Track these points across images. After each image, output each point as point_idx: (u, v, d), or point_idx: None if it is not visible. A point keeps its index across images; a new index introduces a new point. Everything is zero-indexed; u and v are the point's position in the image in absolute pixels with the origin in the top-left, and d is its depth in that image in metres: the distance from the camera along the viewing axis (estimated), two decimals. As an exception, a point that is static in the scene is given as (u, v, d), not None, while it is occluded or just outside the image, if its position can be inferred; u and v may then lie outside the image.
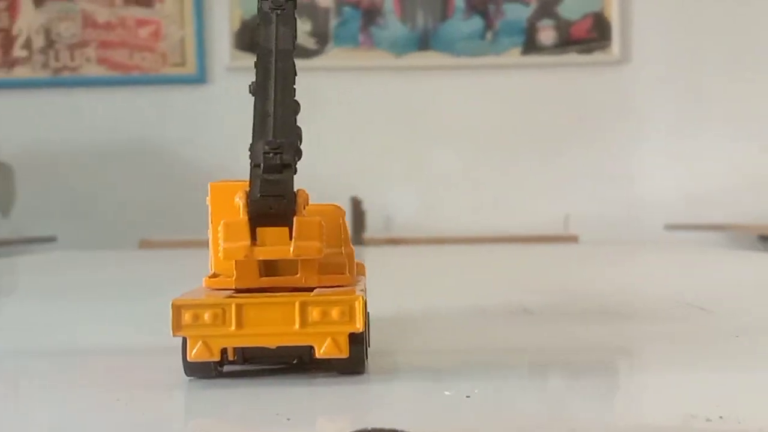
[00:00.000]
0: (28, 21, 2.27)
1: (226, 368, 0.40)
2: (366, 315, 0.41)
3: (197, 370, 0.39)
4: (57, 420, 0.34)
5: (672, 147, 2.33)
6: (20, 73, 2.28)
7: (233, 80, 2.30)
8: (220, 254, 0.37)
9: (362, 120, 2.34)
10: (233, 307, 0.37)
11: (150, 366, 0.43)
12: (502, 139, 2.35)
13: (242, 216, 0.38)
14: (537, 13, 2.34)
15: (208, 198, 0.43)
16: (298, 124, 0.42)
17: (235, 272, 0.40)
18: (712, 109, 2.34)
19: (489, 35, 2.35)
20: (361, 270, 0.52)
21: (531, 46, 2.35)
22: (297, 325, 0.37)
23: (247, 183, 0.39)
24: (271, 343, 0.38)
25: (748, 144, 2.33)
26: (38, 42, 2.28)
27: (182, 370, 0.39)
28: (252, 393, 0.37)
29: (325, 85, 2.32)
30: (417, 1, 2.33)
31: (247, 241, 0.37)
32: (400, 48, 2.35)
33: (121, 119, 2.28)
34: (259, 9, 0.49)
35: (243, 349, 0.39)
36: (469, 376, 0.40)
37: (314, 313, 0.37)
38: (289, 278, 0.41)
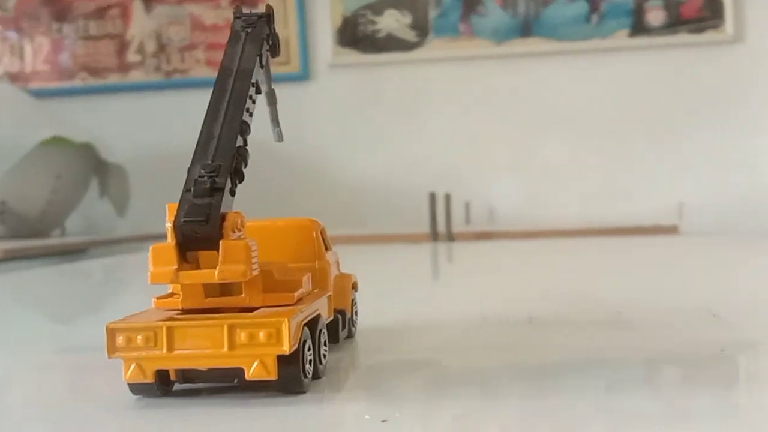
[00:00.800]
0: (140, 27, 2.37)
1: (177, 387, 0.41)
2: (343, 328, 0.42)
3: (141, 390, 0.40)
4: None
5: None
6: (134, 77, 2.38)
7: (335, 77, 2.32)
8: (147, 278, 0.38)
9: (464, 110, 2.32)
10: (164, 330, 0.38)
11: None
12: (610, 125, 2.28)
13: (170, 240, 0.38)
14: (645, -8, 2.25)
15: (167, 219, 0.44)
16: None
17: (181, 293, 0.41)
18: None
19: (594, 18, 2.28)
20: (343, 281, 0.52)
21: (639, 27, 2.26)
22: (225, 348, 0.38)
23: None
24: (202, 365, 0.38)
25: None
26: (150, 46, 2.38)
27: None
28: (185, 414, 0.38)
29: (425, 77, 2.31)
30: (519, -12, 2.29)
31: (173, 266, 0.38)
32: (501, 35, 2.31)
33: (229, 118, 2.34)
34: (232, 27, 0.49)
35: (182, 369, 0.40)
36: (414, 397, 0.39)
37: (242, 336, 0.38)
38: (234, 298, 0.41)
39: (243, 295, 0.41)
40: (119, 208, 2.14)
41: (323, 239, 0.51)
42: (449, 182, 2.15)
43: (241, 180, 0.42)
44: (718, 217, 2.12)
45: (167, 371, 0.39)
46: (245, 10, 0.51)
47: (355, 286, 0.54)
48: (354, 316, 0.54)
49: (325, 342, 0.43)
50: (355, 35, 2.33)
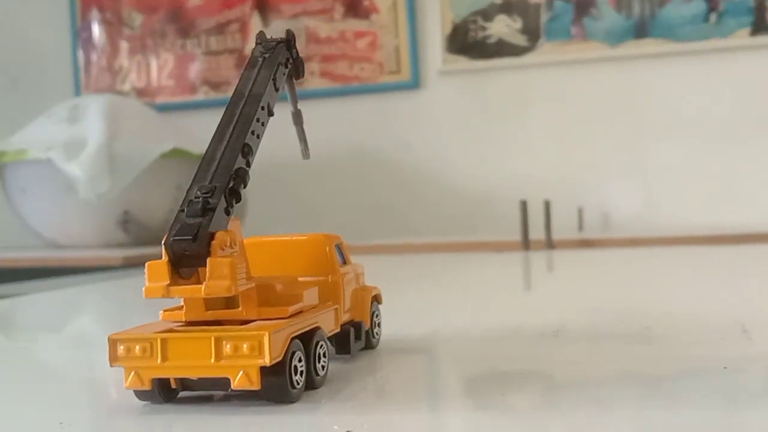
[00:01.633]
0: (257, 41, 2.46)
1: (183, 394, 0.44)
2: (357, 340, 0.44)
3: (146, 397, 0.43)
4: None
5: None
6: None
7: (445, 84, 2.34)
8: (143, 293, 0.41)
9: (577, 115, 2.28)
10: (159, 341, 0.41)
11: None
12: (731, 127, 2.19)
13: (164, 258, 0.41)
14: (768, -12, 2.15)
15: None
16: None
17: (184, 306, 0.44)
18: None
19: (713, 17, 2.20)
20: (363, 294, 0.53)
21: (760, 25, 2.17)
22: (212, 359, 0.40)
23: None
24: (192, 374, 0.41)
25: None
26: (267, 60, 2.46)
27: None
28: (184, 419, 0.40)
29: (537, 81, 2.29)
30: (634, -12, 2.23)
31: (165, 281, 0.41)
32: (615, 38, 2.27)
33: (342, 128, 2.40)
34: (252, 53, 0.52)
35: (181, 378, 0.42)
36: (398, 407, 0.40)
37: (227, 347, 0.40)
38: (231, 312, 0.44)
39: (240, 308, 0.43)
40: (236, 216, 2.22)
41: (341, 253, 0.52)
42: (560, 188, 2.13)
43: (238, 200, 0.44)
44: None
45: (168, 379, 0.42)
46: (268, 36, 0.53)
47: (377, 299, 0.55)
48: (376, 328, 0.55)
49: (324, 354, 0.45)
50: (465, 42, 2.34)
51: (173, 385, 0.43)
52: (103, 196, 1.89)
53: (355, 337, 0.51)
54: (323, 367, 0.45)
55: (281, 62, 0.51)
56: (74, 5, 2.62)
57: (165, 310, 0.45)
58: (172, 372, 0.41)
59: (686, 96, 2.23)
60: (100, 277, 1.53)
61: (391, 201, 2.35)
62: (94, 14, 2.61)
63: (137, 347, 0.41)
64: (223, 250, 0.41)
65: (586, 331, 0.59)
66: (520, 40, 2.31)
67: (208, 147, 0.45)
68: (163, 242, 0.41)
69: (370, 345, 0.54)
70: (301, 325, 0.43)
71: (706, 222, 2.08)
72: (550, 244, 1.57)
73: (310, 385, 0.43)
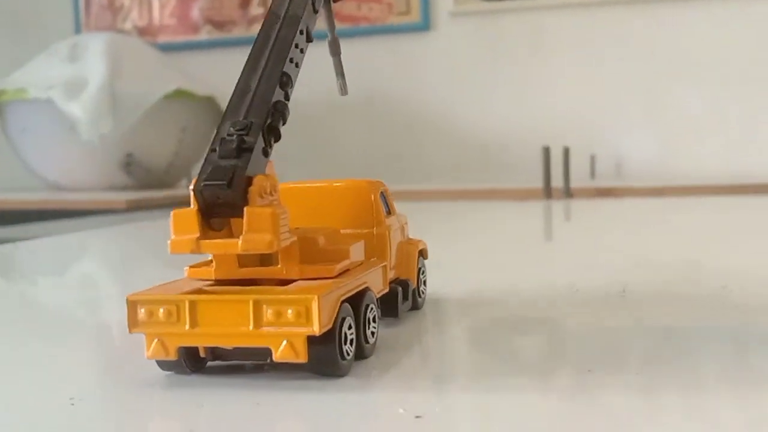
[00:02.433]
0: (263, -22, 2.37)
1: (211, 363, 0.38)
2: (405, 300, 0.40)
3: (170, 367, 0.37)
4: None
5: None
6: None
7: (456, 26, 2.25)
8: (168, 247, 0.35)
9: (592, 58, 2.20)
10: (187, 304, 0.35)
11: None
12: (754, 72, 2.11)
13: (192, 206, 0.35)
14: (797, -73, 2.06)
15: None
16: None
17: (214, 262, 0.38)
18: None
19: (738, -43, 2.11)
20: (408, 248, 0.48)
21: (787, -34, 2.08)
22: (251, 326, 0.34)
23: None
24: (226, 343, 0.35)
25: None
26: (273, -1, 2.37)
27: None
28: (200, 396, 0.34)
29: (550, 24, 2.20)
30: (655, -74, 2.14)
31: (195, 234, 0.34)
32: (635, -21, 2.18)
33: (350, 71, 2.31)
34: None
35: (212, 347, 0.37)
36: (456, 388, 0.35)
37: (269, 313, 0.34)
38: (270, 269, 0.38)
39: (279, 265, 0.37)
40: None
41: (386, 202, 0.46)
42: (573, 134, 2.06)
43: (278, 139, 0.37)
44: None
45: (196, 348, 0.36)
46: None
47: (423, 254, 0.50)
48: (422, 286, 0.49)
49: (374, 318, 0.39)
50: None
51: (202, 354, 0.37)
52: (105, 137, 1.83)
53: (403, 298, 0.45)
54: (373, 333, 0.39)
55: None
56: (72, -61, 2.52)
57: (191, 266, 0.39)
58: (203, 340, 0.35)
59: (707, 38, 2.14)
60: (104, 221, 1.48)
61: (401, 146, 2.28)
62: (93, -51, 2.51)
63: (161, 310, 0.35)
64: (262, 198, 0.35)
65: (656, 290, 0.53)
66: (536, -20, 2.22)
67: (240, 77, 0.39)
68: (191, 187, 0.35)
69: (416, 305, 0.48)
70: (351, 287, 0.37)
71: (724, 170, 2.01)
72: (568, 193, 1.51)
73: (359, 354, 0.38)
